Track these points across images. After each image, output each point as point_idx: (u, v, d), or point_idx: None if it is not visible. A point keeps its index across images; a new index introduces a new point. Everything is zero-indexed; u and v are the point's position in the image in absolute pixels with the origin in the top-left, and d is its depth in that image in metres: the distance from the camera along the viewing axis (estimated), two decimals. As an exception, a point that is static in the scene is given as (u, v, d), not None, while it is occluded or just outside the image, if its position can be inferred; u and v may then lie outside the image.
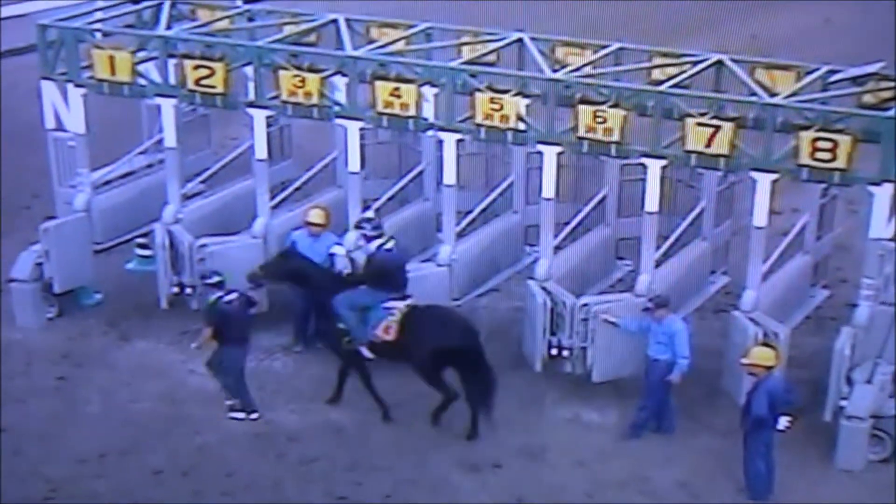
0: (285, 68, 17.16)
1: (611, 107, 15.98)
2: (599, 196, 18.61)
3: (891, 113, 15.36)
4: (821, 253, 18.46)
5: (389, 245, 16.73)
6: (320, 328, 16.94)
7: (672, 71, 17.03)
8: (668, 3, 33.05)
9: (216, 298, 16.25)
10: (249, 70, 17.66)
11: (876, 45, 24.51)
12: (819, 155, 15.25)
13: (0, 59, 29.00)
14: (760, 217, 15.94)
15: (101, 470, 15.60)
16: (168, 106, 17.89)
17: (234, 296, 16.32)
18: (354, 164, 17.54)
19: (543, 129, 16.44)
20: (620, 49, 17.72)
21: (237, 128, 21.33)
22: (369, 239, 16.82)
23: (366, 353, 16.50)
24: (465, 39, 18.35)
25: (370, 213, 17.43)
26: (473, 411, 16.27)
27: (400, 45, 18.12)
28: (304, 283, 16.80)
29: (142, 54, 18.01)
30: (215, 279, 16.39)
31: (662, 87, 16.29)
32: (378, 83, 16.82)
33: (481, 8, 29.62)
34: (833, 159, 15.21)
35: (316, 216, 17.57)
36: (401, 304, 16.43)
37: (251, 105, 17.63)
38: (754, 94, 16.18)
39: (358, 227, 17.20)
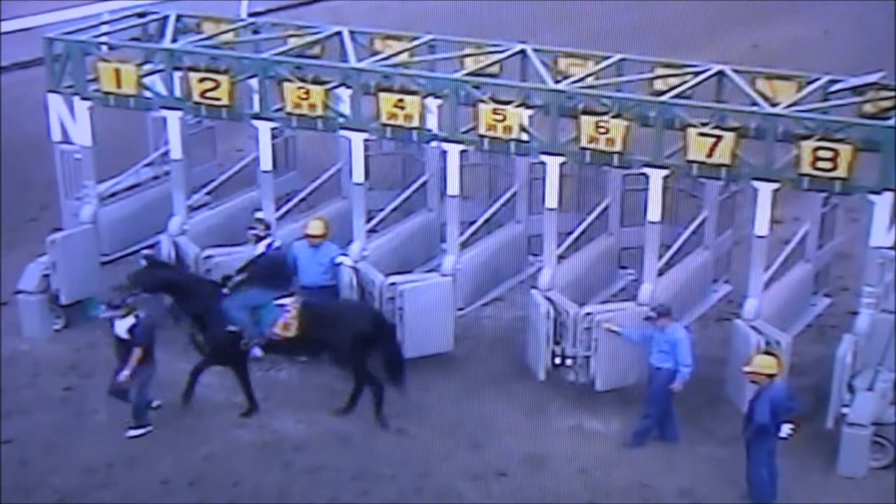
0: (290, 80, 17.27)
1: (613, 117, 16.08)
2: (602, 206, 18.70)
3: (891, 122, 15.44)
4: (822, 261, 18.54)
5: (278, 244, 17.08)
6: (206, 335, 16.71)
7: (674, 81, 17.13)
8: (669, 15, 33.12)
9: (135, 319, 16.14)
10: (254, 82, 17.76)
11: (875, 55, 24.59)
12: (820, 164, 15.34)
13: (2, 73, 29.16)
14: (762, 226, 16.02)
15: (109, 480, 15.68)
16: (173, 118, 18.01)
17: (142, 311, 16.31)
18: (359, 175, 17.64)
19: (546, 140, 16.54)
20: (622, 60, 17.80)
21: (242, 140, 21.40)
22: (259, 238, 17.08)
23: (258, 352, 16.69)
24: (468, 51, 18.43)
25: (261, 214, 17.62)
26: (360, 392, 16.72)
27: (403, 57, 18.21)
28: (179, 292, 16.77)
29: (147, 67, 18.12)
30: (127, 305, 16.21)
31: (664, 98, 16.39)
32: (382, 95, 16.92)
33: (484, 19, 29.67)
34: (834, 168, 15.30)
35: (314, 228, 17.68)
36: (291, 300, 16.63)
37: (256, 117, 17.73)
38: (755, 104, 16.26)
39: (250, 228, 17.37)
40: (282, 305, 16.62)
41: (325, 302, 17.18)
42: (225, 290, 16.70)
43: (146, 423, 16.42)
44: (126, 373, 16.00)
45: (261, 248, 17.08)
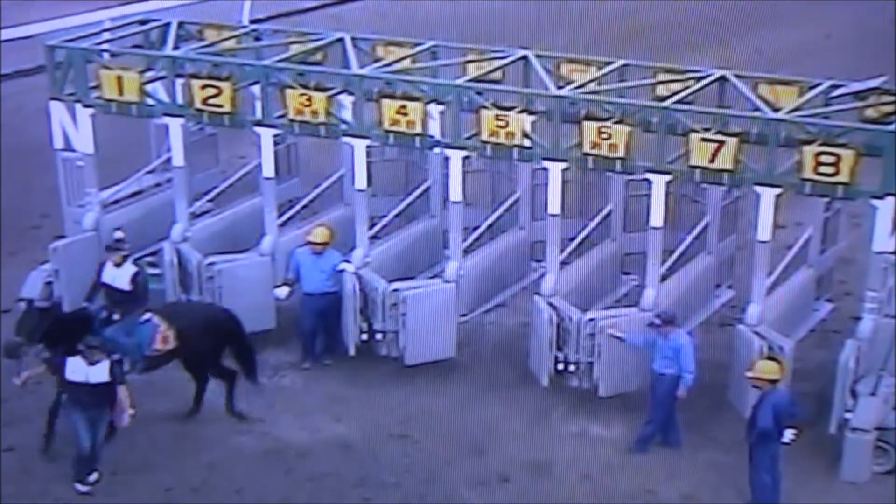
0: (292, 87, 17.28)
1: (615, 123, 16.09)
2: (605, 212, 18.70)
3: (892, 127, 15.44)
4: (824, 266, 18.54)
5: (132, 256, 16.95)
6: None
7: (676, 87, 17.12)
8: (672, 19, 33.14)
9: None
10: (256, 89, 17.80)
11: (877, 59, 24.59)
12: (822, 169, 15.35)
13: (4, 80, 29.20)
14: (764, 231, 16.02)
15: (112, 488, 15.63)
16: (176, 125, 18.01)
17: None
18: (361, 181, 17.64)
19: (549, 146, 16.54)
20: (624, 65, 17.81)
21: (244, 146, 21.41)
22: (125, 258, 16.74)
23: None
24: (470, 57, 18.43)
25: (120, 234, 17.32)
26: (204, 389, 16.87)
27: (406, 64, 18.22)
28: (68, 334, 15.59)
29: (149, 74, 18.13)
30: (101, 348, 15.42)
31: (666, 103, 16.38)
32: (384, 101, 16.93)
33: (486, 25, 29.72)
34: (836, 173, 15.30)
35: (318, 235, 17.69)
36: (151, 315, 16.41)
37: (258, 124, 17.74)
38: (758, 109, 16.27)
39: (111, 249, 16.81)
40: (148, 321, 16.32)
41: (175, 308, 17.06)
42: (115, 317, 16.30)
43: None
44: (131, 411, 15.36)
45: (131, 267, 16.66)
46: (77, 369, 15.15)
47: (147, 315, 16.41)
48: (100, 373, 15.14)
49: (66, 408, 15.54)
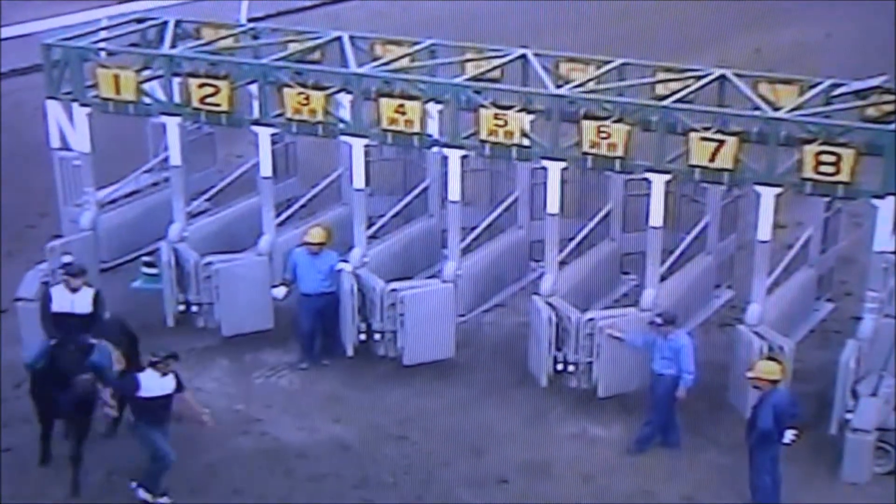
0: (290, 86, 17.23)
1: (615, 122, 16.04)
2: (604, 211, 18.66)
3: (893, 126, 15.39)
4: (825, 266, 18.50)
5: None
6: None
7: (675, 86, 17.06)
8: (671, 19, 33.07)
9: None
10: (254, 88, 17.74)
11: (878, 57, 24.55)
12: (822, 168, 15.30)
13: (0, 79, 29.13)
14: (765, 231, 15.97)
15: (109, 489, 15.59)
16: (173, 124, 17.96)
17: None
18: (360, 180, 17.59)
19: (548, 145, 16.49)
20: (624, 64, 17.76)
21: (242, 146, 21.38)
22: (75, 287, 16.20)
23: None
24: (468, 56, 18.38)
25: (69, 257, 17.06)
26: None
27: (404, 62, 18.16)
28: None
29: (146, 73, 18.09)
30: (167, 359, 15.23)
31: (666, 102, 16.33)
32: (382, 100, 16.88)
33: (485, 24, 29.66)
34: (836, 173, 15.26)
35: (314, 236, 17.64)
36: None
37: (256, 123, 17.69)
38: (758, 108, 16.22)
39: (74, 274, 16.17)
40: (96, 343, 15.89)
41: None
42: (93, 341, 15.78)
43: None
44: (206, 410, 15.56)
45: (88, 289, 16.11)
46: (154, 384, 14.93)
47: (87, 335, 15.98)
48: (171, 383, 15.05)
49: (138, 429, 15.22)
